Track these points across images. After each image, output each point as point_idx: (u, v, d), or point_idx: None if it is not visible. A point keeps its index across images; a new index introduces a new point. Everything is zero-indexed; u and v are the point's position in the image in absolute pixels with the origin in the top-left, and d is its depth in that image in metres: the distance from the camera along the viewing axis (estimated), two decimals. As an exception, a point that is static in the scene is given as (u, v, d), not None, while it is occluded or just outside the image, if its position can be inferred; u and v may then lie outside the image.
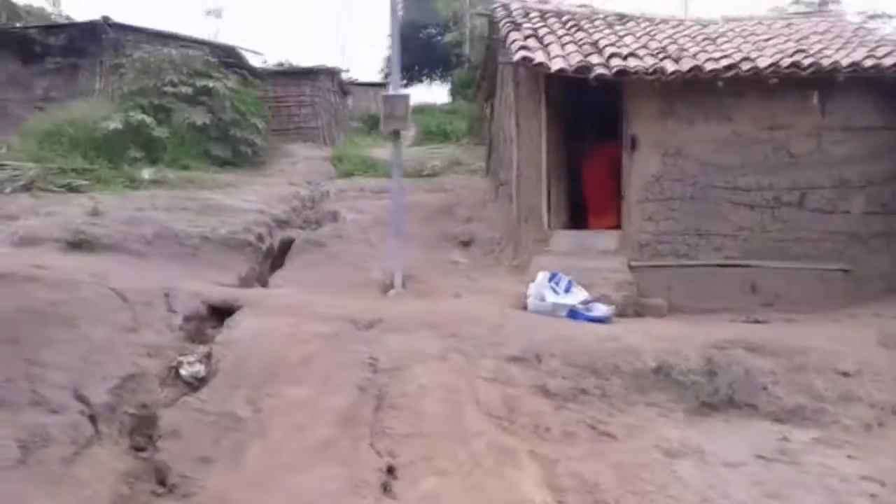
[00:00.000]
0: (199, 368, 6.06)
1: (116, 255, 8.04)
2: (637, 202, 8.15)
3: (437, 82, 34.15)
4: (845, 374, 5.92)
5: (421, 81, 35.00)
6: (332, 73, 22.61)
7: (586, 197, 9.27)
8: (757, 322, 7.30)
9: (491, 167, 10.48)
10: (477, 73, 12.05)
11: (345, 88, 24.58)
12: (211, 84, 14.51)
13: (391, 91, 7.74)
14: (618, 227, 8.44)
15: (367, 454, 5.02)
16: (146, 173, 12.17)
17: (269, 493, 4.59)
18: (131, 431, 5.45)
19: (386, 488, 4.71)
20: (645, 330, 6.62)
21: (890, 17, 14.56)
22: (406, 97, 7.85)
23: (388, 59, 29.79)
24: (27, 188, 10.69)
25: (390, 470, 4.90)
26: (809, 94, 7.74)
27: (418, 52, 30.90)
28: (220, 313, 6.93)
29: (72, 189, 10.77)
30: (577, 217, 9.24)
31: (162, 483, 4.89)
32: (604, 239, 8.38)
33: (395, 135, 8.05)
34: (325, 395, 5.57)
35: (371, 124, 25.68)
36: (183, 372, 6.03)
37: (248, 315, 6.69)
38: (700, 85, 7.82)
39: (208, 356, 6.16)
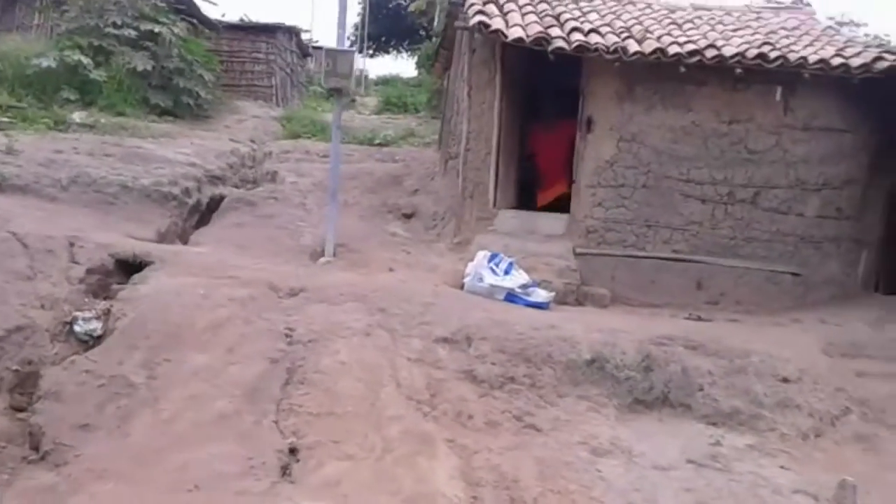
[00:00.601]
0: (96, 326, 5.53)
1: (26, 197, 7.38)
2: (588, 187, 7.79)
3: (405, 54, 33.48)
4: (785, 380, 5.67)
5: (388, 53, 34.33)
6: (292, 32, 21.74)
7: (538, 173, 8.90)
8: (700, 320, 7.03)
9: (443, 140, 10.02)
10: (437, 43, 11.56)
11: (304, 49, 23.74)
12: (157, 29, 13.67)
13: (335, 46, 7.19)
14: (565, 201, 8.06)
15: (270, 432, 4.59)
16: (77, 116, 11.39)
17: (151, 469, 4.12)
18: (11, 389, 4.93)
19: (285, 471, 4.30)
20: (584, 319, 6.29)
21: (858, 24, 14.36)
22: (351, 53, 7.33)
23: (357, 27, 29.29)
24: (-60, 120, 9.88)
25: (293, 451, 4.48)
26: (773, 88, 7.44)
27: (386, 23, 30.23)
28: (130, 268, 6.39)
29: (-10, 125, 9.97)
30: (526, 198, 8.85)
31: (36, 449, 4.39)
32: (550, 222, 8.01)
33: (337, 93, 7.52)
34: (231, 366, 5.11)
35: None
36: (77, 328, 5.50)
37: (159, 272, 6.15)
38: (662, 69, 7.46)
39: (107, 313, 5.63)
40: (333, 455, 4.42)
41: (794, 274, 7.63)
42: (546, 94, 9.10)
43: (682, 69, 7.31)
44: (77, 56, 12.47)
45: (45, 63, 12.02)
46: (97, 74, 12.66)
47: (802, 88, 7.49)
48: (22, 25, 14.87)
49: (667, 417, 5.41)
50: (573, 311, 6.83)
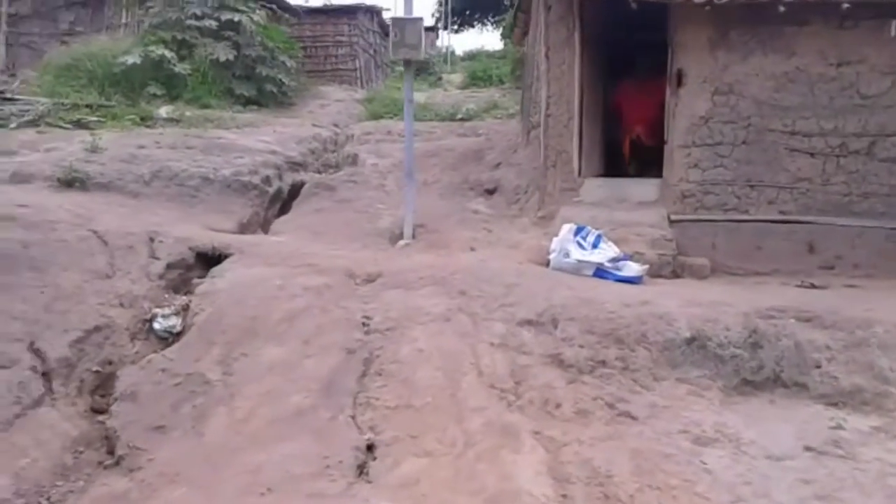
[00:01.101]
0: (175, 322, 5.50)
1: (109, 194, 7.49)
2: (681, 147, 7.18)
3: (490, 27, 32.78)
4: (916, 352, 5.01)
5: (472, 27, 33.73)
6: (373, 12, 21.64)
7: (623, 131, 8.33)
8: (813, 287, 6.37)
9: (524, 109, 9.56)
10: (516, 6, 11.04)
11: (386, 29, 23.58)
12: (237, 18, 13.75)
13: (402, 14, 6.86)
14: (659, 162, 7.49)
15: (346, 428, 4.39)
16: (163, 111, 11.61)
17: (223, 472, 3.98)
18: (93, 391, 4.93)
19: (362, 470, 4.09)
20: (681, 293, 5.79)
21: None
22: (419, 20, 6.96)
23: (441, 3, 28.84)
24: (35, 123, 10.22)
25: (370, 448, 4.27)
26: (886, 23, 6.59)
27: (472, -3, 29.61)
28: (209, 261, 6.35)
29: (80, 125, 10.25)
30: (614, 165, 8.33)
31: (111, 453, 4.34)
32: (642, 188, 7.46)
33: (407, 65, 7.21)
34: (307, 358, 4.95)
35: (417, 69, 24.81)
36: (157, 325, 5.48)
37: (237, 264, 6.08)
38: (758, 10, 6.72)
39: (186, 308, 5.58)
40: (412, 451, 4.18)
41: (918, 230, 6.82)
42: (640, 50, 8.47)
43: (781, 8, 6.55)
44: (161, 51, 12.71)
45: (130, 60, 12.31)
46: (181, 68, 12.88)
47: (921, 19, 6.61)
48: (111, 25, 15.29)
49: (779, 399, 4.88)
50: (669, 284, 6.32)
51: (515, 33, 11.49)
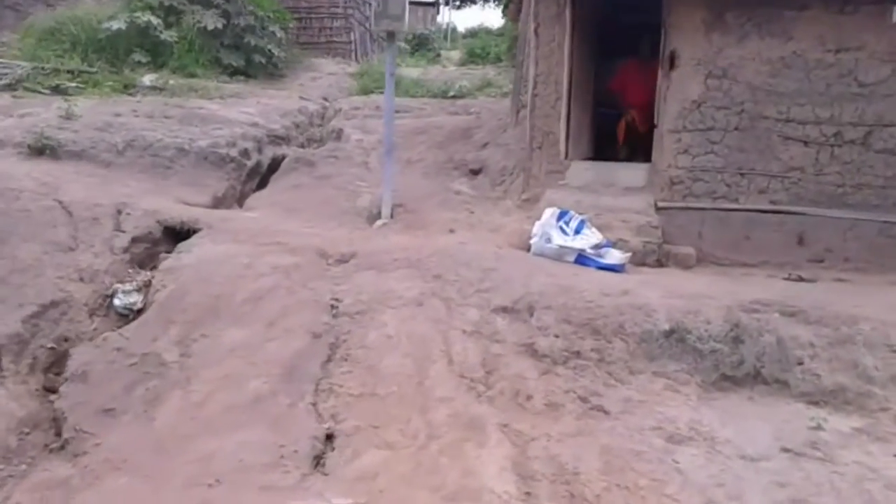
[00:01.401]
0: (136, 299, 5.29)
1: (80, 163, 7.24)
2: (671, 132, 6.94)
3: (492, 4, 32.33)
4: (901, 351, 4.83)
5: (475, 2, 33.26)
6: (370, -15, 21.25)
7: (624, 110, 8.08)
8: (801, 280, 6.18)
9: (516, 88, 9.30)
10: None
11: (384, 3, 23.17)
12: (227, -15, 13.42)
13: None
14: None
15: (306, 416, 4.21)
16: (147, 79, 11.31)
17: (172, 461, 3.80)
18: (46, 369, 4.73)
19: (318, 462, 3.92)
20: (664, 283, 5.60)
21: None
22: (404, -9, 6.70)
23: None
24: (12, 87, 9.93)
25: (329, 437, 4.10)
26: (888, 9, 6.33)
27: (474, -27, 29.08)
28: (178, 236, 6.13)
29: (59, 91, 9.96)
30: (603, 148, 8.09)
31: (59, 435, 4.16)
32: (630, 173, 7.23)
33: (390, 37, 6.93)
34: (270, 341, 4.76)
35: (416, 45, 24.56)
36: (117, 302, 5.28)
37: (205, 240, 5.86)
38: (756, -8, 6.51)
39: (148, 285, 5.37)
40: (373, 443, 4.01)
41: (912, 225, 6.60)
42: (624, 29, 8.22)
43: (780, -10, 6.32)
44: (147, 17, 12.37)
45: (115, 26, 11.98)
46: (168, 35, 12.56)
47: (925, 7, 6.36)
48: (99, -11, 14.88)
49: (759, 396, 4.70)
50: (652, 273, 6.12)
51: (510, 9, 11.20)
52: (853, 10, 6.45)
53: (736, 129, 6.87)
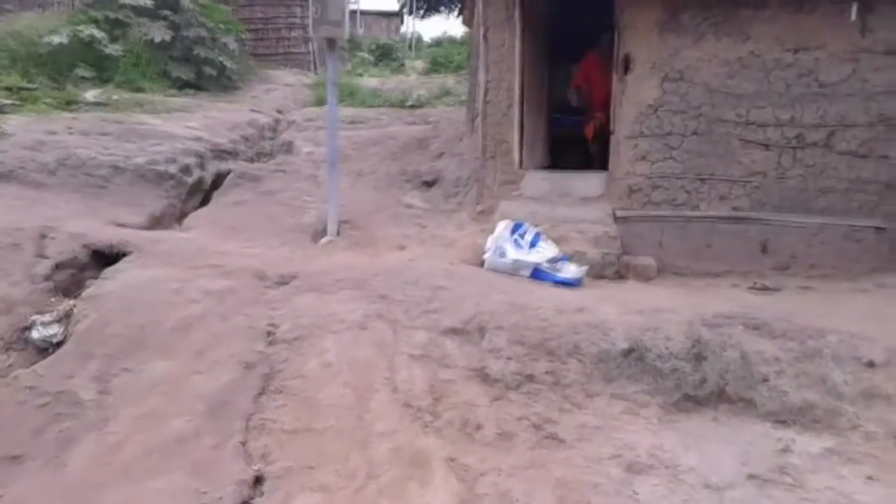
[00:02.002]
0: (56, 330, 4.87)
1: (7, 185, 6.79)
2: (628, 138, 6.69)
3: (455, 13, 32.14)
4: (871, 365, 4.56)
5: (439, 12, 33.07)
6: (328, -5, 20.88)
7: (589, 105, 7.79)
8: (766, 290, 5.94)
9: (470, 95, 9.01)
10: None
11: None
12: (174, -5, 13.00)
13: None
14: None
15: (233, 458, 3.83)
16: (90, 94, 10.83)
17: (79, 513, 3.42)
18: (-46, 411, 4.29)
19: (242, 510, 3.55)
20: (622, 298, 5.32)
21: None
22: (342, -6, 6.37)
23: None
24: (-57, 107, 9.41)
25: (258, 480, 3.73)
26: (847, 6, 6.16)
27: (436, -19, 28.86)
28: (107, 260, 5.71)
29: (-6, 109, 9.46)
30: (560, 156, 7.81)
31: (-42, 488, 3.74)
32: (587, 182, 6.96)
33: (330, 44, 6.60)
34: (198, 374, 4.37)
35: (379, 55, 24.30)
36: (35, 334, 4.84)
37: (133, 264, 5.46)
38: (711, -9, 6.29)
39: (69, 315, 4.96)
40: (306, 485, 3.66)
41: (878, 228, 6.38)
42: (577, 31, 7.94)
43: (737, -12, 6.10)
44: (91, 30, 11.91)
45: (56, 40, 11.49)
46: (113, 49, 12.10)
47: (883, 4, 6.16)
48: (44, 3, 14.41)
49: (723, 416, 4.43)
50: (611, 287, 5.84)
51: (465, 14, 10.93)
52: (811, 9, 6.26)
53: (694, 133, 6.64)
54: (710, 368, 4.55)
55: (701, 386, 4.50)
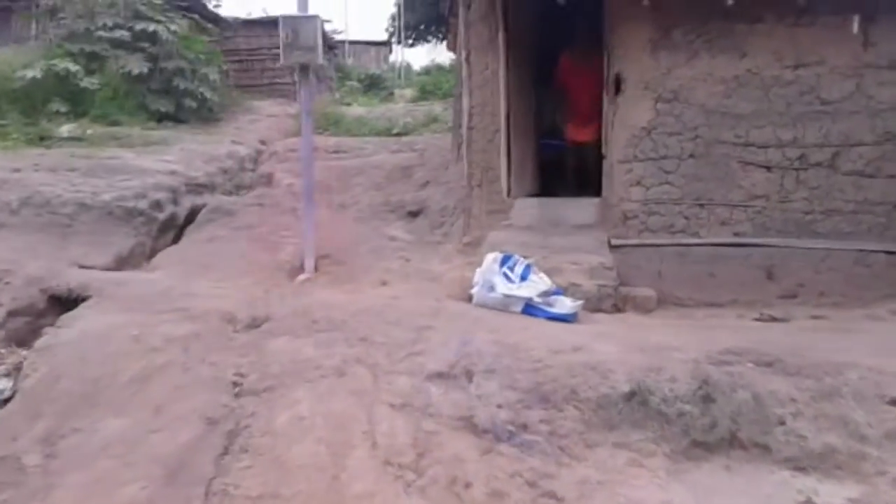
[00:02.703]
0: (5, 385, 4.48)
1: (-34, 227, 6.40)
2: (621, 162, 6.36)
3: (446, 42, 32.12)
4: (894, 403, 4.18)
5: (428, 41, 33.09)
6: (313, 25, 20.71)
7: (569, 107, 7.40)
8: (773, 320, 5.57)
9: (455, 122, 8.70)
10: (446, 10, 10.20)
11: (329, 42, 22.67)
12: (152, 28, 12.71)
13: (296, 13, 5.91)
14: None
15: (190, 531, 3.42)
16: (64, 129, 10.54)
17: None
18: None
19: None
20: (621, 334, 4.94)
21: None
22: (314, 19, 6.03)
23: (394, 18, 28.11)
24: None
25: (217, 559, 3.31)
26: (848, 19, 5.87)
27: (425, 11, 28.86)
28: (66, 306, 5.31)
29: (-39, 146, 9.12)
30: (549, 184, 7.45)
31: None
32: (579, 210, 6.61)
33: (303, 70, 6.27)
34: (155, 433, 3.95)
35: (368, 84, 24.20)
36: (-20, 391, 4.41)
37: (91, 310, 5.07)
38: (704, 5, 5.96)
39: (19, 368, 4.55)
40: (270, 564, 3.23)
41: (889, 252, 6.03)
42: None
43: (730, 2, 5.78)
44: (65, 64, 11.62)
45: (30, 74, 11.24)
46: (89, 82, 11.83)
47: (886, 15, 5.87)
48: (19, 38, 14.14)
49: (736, 464, 4.01)
50: (609, 321, 5.46)
51: (449, 39, 10.67)
52: (810, 22, 5.96)
53: (691, 156, 6.31)
54: (719, 411, 4.14)
55: (711, 431, 4.09)
